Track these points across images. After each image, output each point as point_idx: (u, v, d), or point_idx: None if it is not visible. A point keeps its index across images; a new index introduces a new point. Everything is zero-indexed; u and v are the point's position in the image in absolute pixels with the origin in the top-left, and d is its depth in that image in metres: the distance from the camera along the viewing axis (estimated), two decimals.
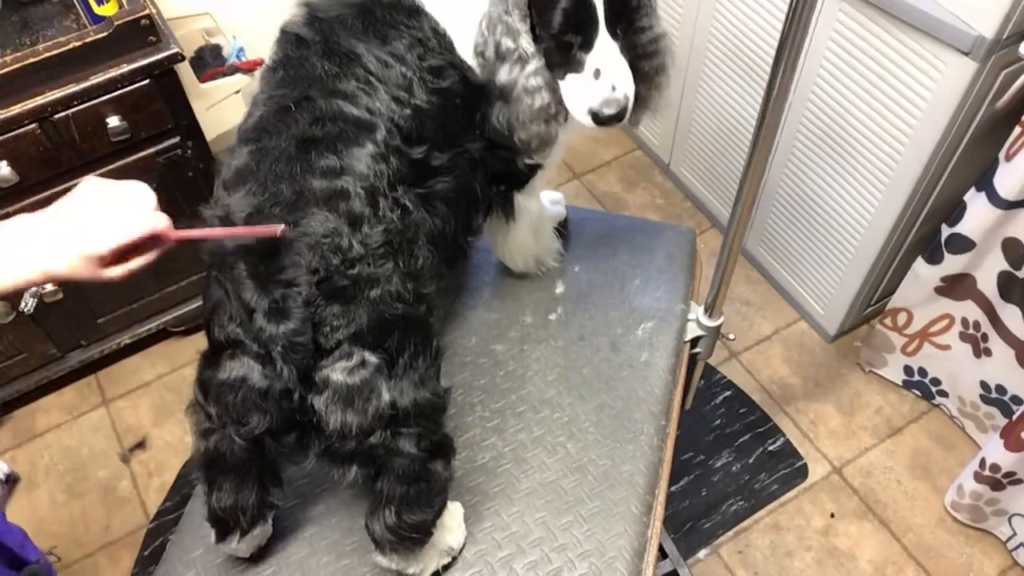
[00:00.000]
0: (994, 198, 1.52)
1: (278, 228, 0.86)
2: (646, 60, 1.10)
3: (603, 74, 1.02)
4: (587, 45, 1.01)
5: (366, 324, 0.90)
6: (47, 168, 1.65)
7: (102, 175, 1.72)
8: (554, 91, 1.07)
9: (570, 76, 1.05)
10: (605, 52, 1.01)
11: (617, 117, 1.03)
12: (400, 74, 1.01)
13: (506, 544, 1.14)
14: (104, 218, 0.84)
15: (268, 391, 0.89)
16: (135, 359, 2.19)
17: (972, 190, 1.58)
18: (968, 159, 1.64)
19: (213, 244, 0.92)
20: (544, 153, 1.14)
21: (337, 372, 0.89)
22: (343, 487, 0.98)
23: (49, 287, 1.81)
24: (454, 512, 1.13)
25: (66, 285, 1.82)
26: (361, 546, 1.12)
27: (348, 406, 0.90)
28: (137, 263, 0.87)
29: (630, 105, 1.04)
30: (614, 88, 1.02)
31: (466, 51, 1.08)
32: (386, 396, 0.92)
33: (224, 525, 1.05)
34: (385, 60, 1.00)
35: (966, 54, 1.41)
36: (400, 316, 0.94)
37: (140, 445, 2.04)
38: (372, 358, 0.91)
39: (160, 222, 0.86)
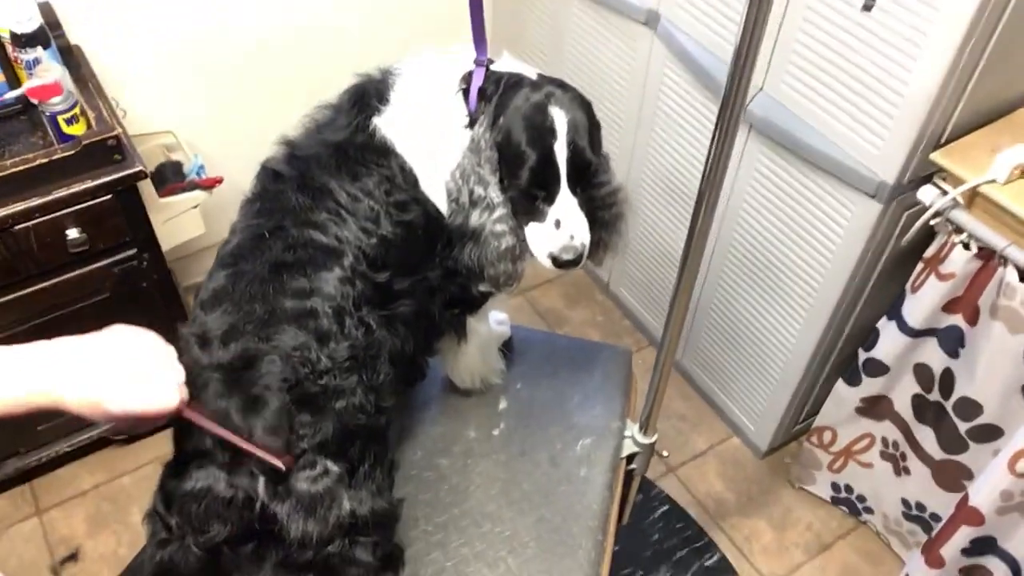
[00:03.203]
0: (903, 326, 1.64)
1: (282, 460, 0.90)
2: (605, 210, 1.22)
3: (563, 225, 1.13)
4: (550, 199, 1.12)
5: (331, 434, 0.96)
6: (2, 276, 1.68)
7: (57, 284, 1.78)
8: (518, 235, 1.17)
9: (533, 224, 1.15)
10: (565, 206, 1.12)
11: (574, 262, 1.14)
12: (368, 207, 1.10)
13: None
14: (132, 383, 0.83)
15: (232, 500, 0.92)
16: (72, 467, 2.16)
17: (884, 318, 1.70)
18: (880, 289, 1.77)
19: (187, 358, 0.97)
20: (511, 287, 1.23)
21: (301, 481, 0.94)
22: None
23: None
24: None
25: None
26: None
27: (310, 515, 0.93)
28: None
29: (586, 252, 1.15)
30: (572, 237, 1.13)
31: (429, 187, 1.18)
32: (347, 505, 0.96)
33: None
34: (355, 195, 1.09)
35: (872, 196, 1.55)
36: (362, 427, 1.00)
37: (72, 557, 1.99)
38: (334, 467, 0.96)
39: (183, 396, 0.88)
